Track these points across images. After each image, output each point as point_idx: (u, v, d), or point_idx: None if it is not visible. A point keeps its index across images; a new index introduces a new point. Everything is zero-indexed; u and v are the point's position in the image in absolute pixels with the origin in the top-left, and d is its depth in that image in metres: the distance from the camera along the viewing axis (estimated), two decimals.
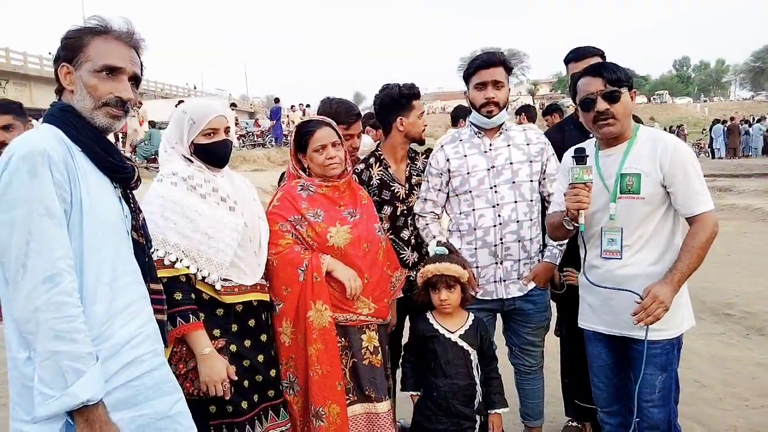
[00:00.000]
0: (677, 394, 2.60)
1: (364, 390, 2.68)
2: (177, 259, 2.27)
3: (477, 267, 2.99)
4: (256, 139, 25.23)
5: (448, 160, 3.06)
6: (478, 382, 2.75)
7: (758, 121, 29.36)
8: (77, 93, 1.74)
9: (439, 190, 3.11)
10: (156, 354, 1.80)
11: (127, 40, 1.81)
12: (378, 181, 3.19)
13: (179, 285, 2.28)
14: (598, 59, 3.14)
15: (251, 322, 2.51)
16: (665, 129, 29.78)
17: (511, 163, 3.00)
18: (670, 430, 2.52)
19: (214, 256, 2.34)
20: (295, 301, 2.60)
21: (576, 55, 3.29)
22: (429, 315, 2.82)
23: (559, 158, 3.10)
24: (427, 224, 3.14)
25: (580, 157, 2.40)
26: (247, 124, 29.01)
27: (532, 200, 3.02)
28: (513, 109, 8.56)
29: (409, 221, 3.23)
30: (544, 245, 3.10)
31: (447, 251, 2.79)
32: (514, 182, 2.98)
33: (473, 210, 2.99)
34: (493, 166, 3.00)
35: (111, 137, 1.98)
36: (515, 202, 2.97)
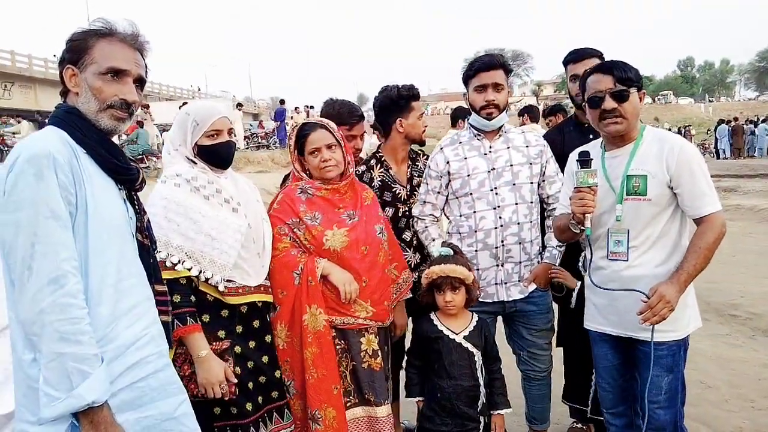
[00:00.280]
0: (684, 396, 2.59)
1: (365, 393, 2.68)
2: (179, 260, 2.28)
3: (478, 269, 2.98)
4: (260, 140, 25.27)
5: (447, 162, 3.05)
6: (482, 383, 2.74)
7: (764, 121, 29.24)
8: (82, 95, 1.75)
9: (439, 192, 3.10)
10: (161, 355, 1.80)
11: (131, 43, 1.82)
12: (379, 183, 3.19)
13: (179, 287, 2.28)
14: (596, 60, 3.14)
15: (255, 323, 2.51)
16: (674, 129, 29.78)
17: (512, 165, 3.00)
18: None
19: (217, 258, 2.34)
20: (291, 304, 2.60)
21: (575, 56, 3.29)
22: (433, 316, 2.81)
23: (558, 160, 3.11)
24: (426, 227, 3.13)
25: (585, 161, 2.40)
26: (251, 125, 29.05)
27: (532, 202, 3.02)
28: (516, 110, 8.55)
29: (411, 223, 3.22)
30: (544, 247, 3.10)
31: (452, 252, 2.78)
32: (514, 184, 2.98)
33: (474, 212, 2.99)
34: (494, 168, 3.00)
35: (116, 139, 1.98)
36: (516, 204, 2.97)
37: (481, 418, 2.72)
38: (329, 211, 2.71)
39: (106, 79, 1.75)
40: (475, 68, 2.99)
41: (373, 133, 7.95)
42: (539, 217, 3.09)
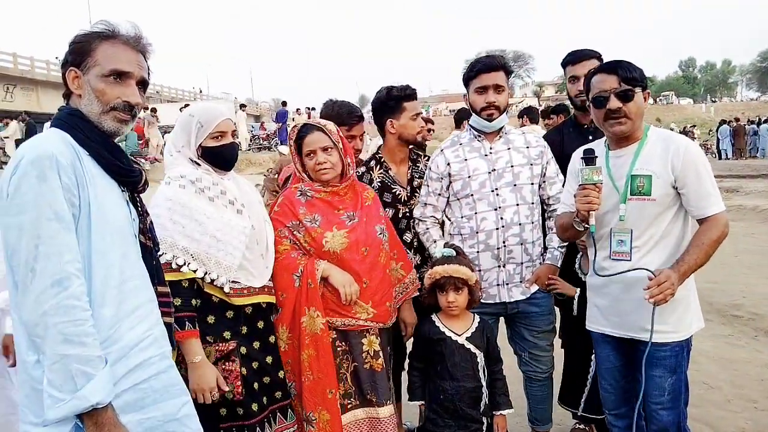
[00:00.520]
0: (687, 397, 2.59)
1: (366, 394, 2.68)
2: (185, 262, 2.28)
3: (479, 270, 2.98)
4: (261, 142, 25.30)
5: (448, 164, 3.05)
6: (484, 384, 2.75)
7: (765, 121, 29.20)
8: (85, 97, 1.75)
9: (440, 194, 3.10)
10: (164, 357, 1.81)
11: (134, 45, 1.82)
12: (379, 184, 3.18)
13: (181, 290, 2.28)
14: (595, 62, 3.15)
15: (260, 324, 2.52)
16: (677, 130, 29.75)
17: (512, 166, 3.00)
18: None
19: (222, 259, 2.34)
20: (292, 306, 2.60)
21: (573, 57, 3.30)
22: (435, 317, 2.81)
23: (557, 161, 3.11)
24: (427, 228, 3.13)
25: (590, 158, 2.40)
26: (252, 127, 29.09)
27: (533, 203, 3.02)
28: (517, 111, 8.55)
29: (412, 224, 3.22)
30: (545, 248, 3.10)
31: (454, 253, 2.78)
32: (515, 185, 2.98)
33: (475, 213, 2.98)
34: (494, 169, 3.00)
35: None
36: (517, 204, 2.97)
37: (484, 419, 2.73)
38: (329, 213, 2.71)
39: (109, 81, 1.75)
40: (476, 70, 2.99)
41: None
42: (541, 218, 3.09)
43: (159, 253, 2.11)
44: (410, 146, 3.30)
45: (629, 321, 2.49)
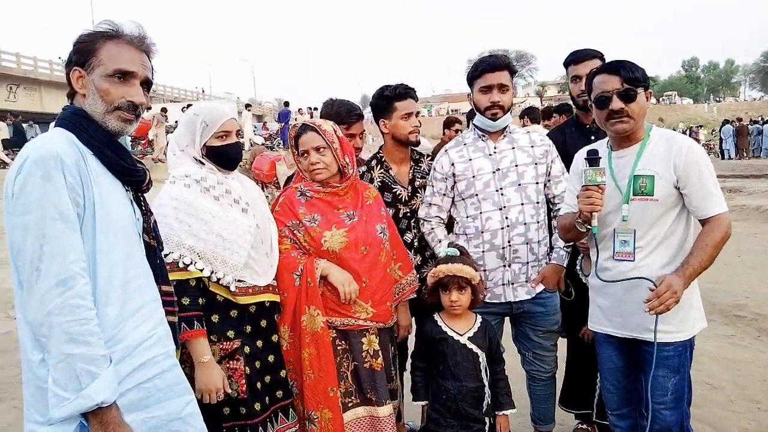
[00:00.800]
0: (690, 397, 2.59)
1: (366, 393, 2.68)
2: (191, 261, 2.28)
3: (485, 270, 2.98)
4: (264, 142, 25.32)
5: (452, 164, 3.05)
6: (486, 384, 2.75)
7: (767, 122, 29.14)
8: (89, 97, 1.76)
9: (444, 194, 3.10)
10: (168, 356, 1.81)
11: (138, 45, 1.83)
12: (379, 183, 3.17)
13: (189, 290, 2.28)
14: (597, 61, 3.14)
15: (263, 323, 2.53)
16: (680, 129, 29.70)
17: (516, 166, 3.00)
18: None
19: (228, 258, 2.35)
20: (293, 305, 2.61)
21: (575, 57, 3.29)
22: (437, 317, 2.81)
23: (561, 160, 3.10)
24: (432, 228, 3.13)
25: (593, 159, 2.40)
26: (255, 127, 29.08)
27: (538, 202, 3.01)
28: (519, 111, 8.55)
29: (412, 224, 3.21)
30: (551, 247, 3.10)
31: (458, 252, 2.78)
32: (519, 184, 2.98)
33: (480, 213, 2.98)
34: (498, 169, 2.99)
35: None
36: (522, 204, 2.96)
37: (486, 419, 2.73)
38: (328, 213, 2.71)
39: (113, 81, 1.76)
40: (481, 69, 2.98)
41: None
42: (546, 217, 3.08)
43: (164, 252, 2.11)
44: (408, 146, 3.26)
45: (632, 321, 2.48)
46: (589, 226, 2.44)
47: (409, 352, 3.09)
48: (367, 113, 3.57)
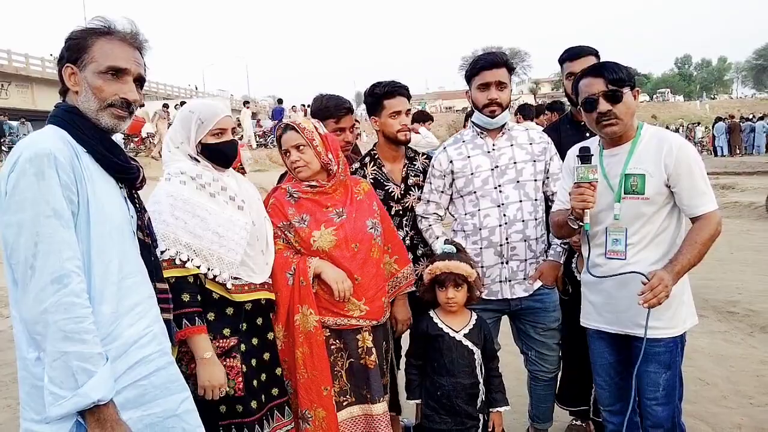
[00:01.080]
0: (681, 392, 2.61)
1: (361, 391, 2.68)
2: (188, 258, 2.27)
3: (482, 267, 2.98)
4: (258, 139, 25.25)
5: (451, 161, 3.05)
6: (481, 380, 2.75)
7: (761, 118, 29.30)
8: (82, 94, 1.75)
9: (442, 191, 3.10)
10: (163, 353, 1.81)
11: (131, 41, 1.82)
12: (372, 181, 3.15)
13: (188, 286, 2.28)
14: (592, 58, 3.14)
15: (259, 321, 2.53)
16: (673, 128, 29.85)
17: (515, 163, 3.00)
18: (675, 429, 2.53)
19: (225, 255, 2.34)
20: (286, 304, 2.60)
21: (570, 54, 3.29)
22: (433, 314, 2.82)
23: None
24: (430, 225, 3.13)
25: (585, 157, 2.40)
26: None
27: (536, 199, 3.01)
28: (513, 108, 8.58)
29: (404, 222, 3.21)
30: (549, 245, 3.10)
31: (455, 249, 2.78)
32: (518, 182, 2.98)
33: (478, 210, 2.98)
34: (497, 166, 3.00)
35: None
36: (520, 201, 2.96)
37: (481, 416, 2.74)
38: (317, 212, 2.70)
39: (107, 78, 1.75)
40: (479, 67, 2.98)
41: (422, 125, 8.11)
42: (545, 214, 3.07)
43: (160, 249, 2.11)
44: (399, 144, 3.22)
45: (624, 317, 2.50)
46: (581, 223, 2.45)
47: (403, 351, 3.09)
48: (362, 110, 3.57)
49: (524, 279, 3.01)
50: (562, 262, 3.04)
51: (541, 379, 3.20)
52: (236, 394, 2.36)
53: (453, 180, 3.05)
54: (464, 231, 3.04)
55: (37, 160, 1.58)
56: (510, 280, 3.00)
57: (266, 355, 2.53)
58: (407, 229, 3.22)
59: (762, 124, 27.83)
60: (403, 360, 3.06)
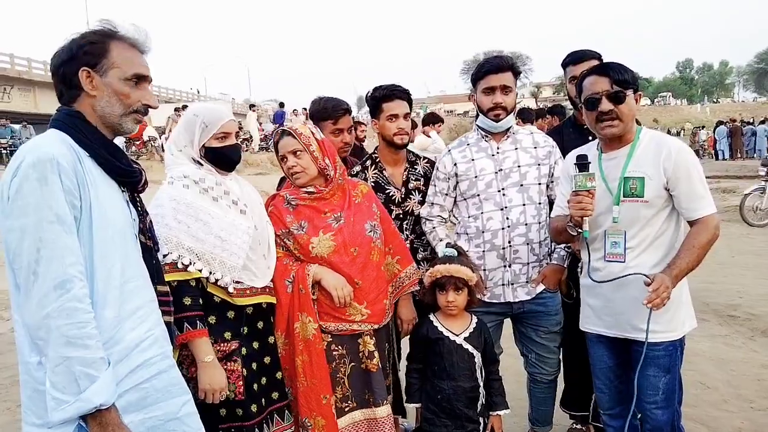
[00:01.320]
0: (681, 396, 2.61)
1: (364, 395, 2.68)
2: (190, 262, 2.27)
3: (485, 270, 2.98)
4: (259, 142, 25.26)
5: (455, 164, 3.06)
6: (481, 384, 2.76)
7: (762, 122, 29.29)
8: (103, 98, 1.75)
9: (446, 194, 3.11)
10: (165, 356, 1.82)
11: (141, 47, 1.84)
12: (372, 184, 3.16)
13: (189, 290, 2.28)
14: (595, 62, 3.15)
15: (260, 325, 2.53)
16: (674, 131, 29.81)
17: (519, 166, 3.01)
18: None
19: (227, 259, 2.35)
20: (286, 312, 2.60)
21: (573, 58, 3.31)
22: (433, 317, 2.82)
23: None
24: (434, 227, 3.14)
25: (583, 165, 2.41)
26: None
27: (540, 203, 3.02)
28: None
29: (405, 225, 3.21)
30: (553, 248, 3.09)
31: (456, 253, 2.79)
32: (522, 185, 2.99)
33: (482, 213, 2.98)
34: (501, 169, 3.00)
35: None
36: (523, 204, 2.97)
37: (481, 420, 2.74)
38: (315, 218, 2.69)
39: (131, 84, 1.78)
40: (484, 70, 2.98)
41: (432, 128, 8.15)
42: (548, 218, 3.08)
43: (163, 252, 2.11)
44: (397, 148, 3.21)
45: (622, 321, 2.50)
46: (580, 230, 2.46)
47: (404, 353, 3.09)
48: (365, 113, 3.59)
49: (527, 282, 3.01)
50: (566, 266, 3.04)
51: (540, 382, 3.20)
52: (236, 397, 2.36)
53: (457, 182, 3.06)
54: (467, 234, 3.04)
55: (40, 165, 1.58)
56: (512, 284, 3.00)
57: (267, 359, 2.54)
58: (408, 232, 3.22)
59: (763, 128, 27.78)
60: (404, 362, 3.06)
